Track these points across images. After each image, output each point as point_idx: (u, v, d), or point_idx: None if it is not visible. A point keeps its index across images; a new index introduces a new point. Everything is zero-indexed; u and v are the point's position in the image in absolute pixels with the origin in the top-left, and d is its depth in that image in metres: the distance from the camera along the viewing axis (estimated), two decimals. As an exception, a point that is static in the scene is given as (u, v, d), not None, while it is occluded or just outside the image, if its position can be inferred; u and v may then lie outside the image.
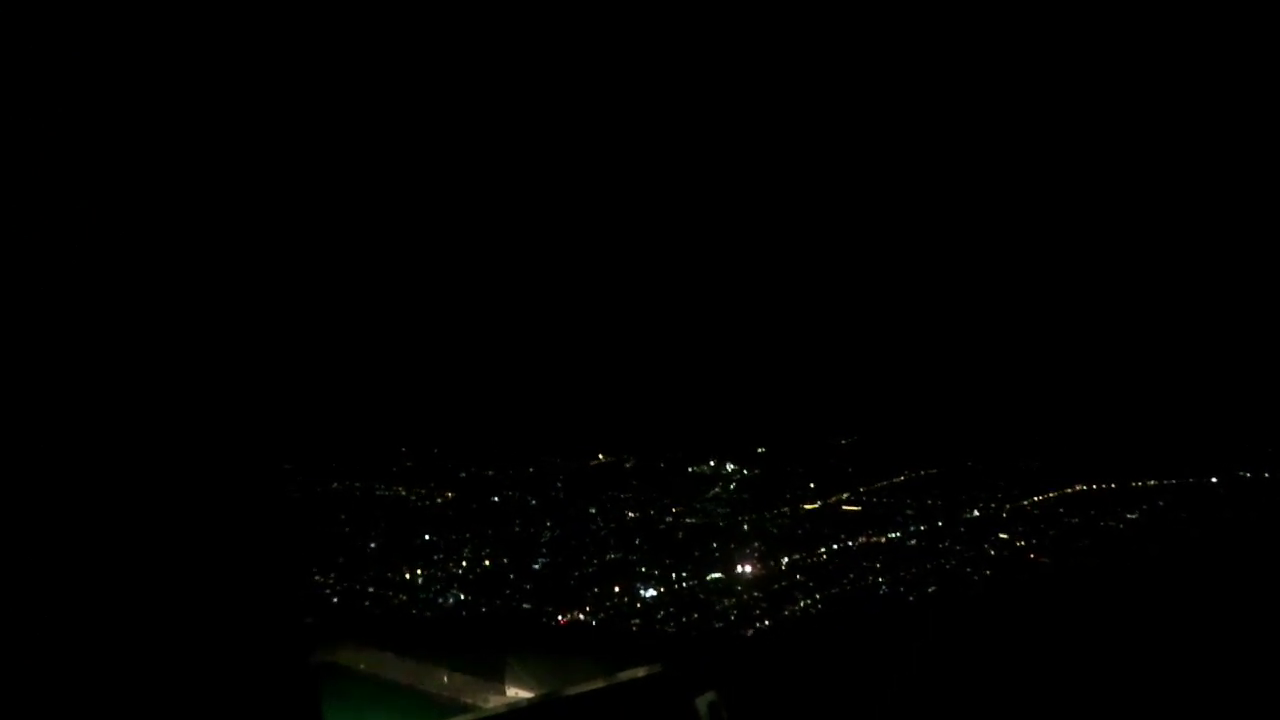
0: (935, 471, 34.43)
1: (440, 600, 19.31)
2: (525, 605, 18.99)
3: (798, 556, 22.74)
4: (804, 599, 19.91)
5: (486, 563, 22.52)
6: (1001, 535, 22.88)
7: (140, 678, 3.21)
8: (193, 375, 3.53)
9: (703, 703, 4.68)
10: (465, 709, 6.21)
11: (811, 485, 32.71)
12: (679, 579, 21.19)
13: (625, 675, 5.11)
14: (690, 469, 36.09)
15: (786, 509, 28.94)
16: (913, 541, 23.80)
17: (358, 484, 30.81)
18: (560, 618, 18.08)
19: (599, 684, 5.46)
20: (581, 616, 18.15)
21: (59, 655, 3.09)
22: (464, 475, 33.35)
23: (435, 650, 7.16)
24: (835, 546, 23.53)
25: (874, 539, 24.17)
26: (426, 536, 24.76)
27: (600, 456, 38.29)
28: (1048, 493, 29.20)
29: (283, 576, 3.72)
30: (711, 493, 31.99)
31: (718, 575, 21.19)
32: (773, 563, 22.31)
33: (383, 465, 33.37)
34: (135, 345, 3.33)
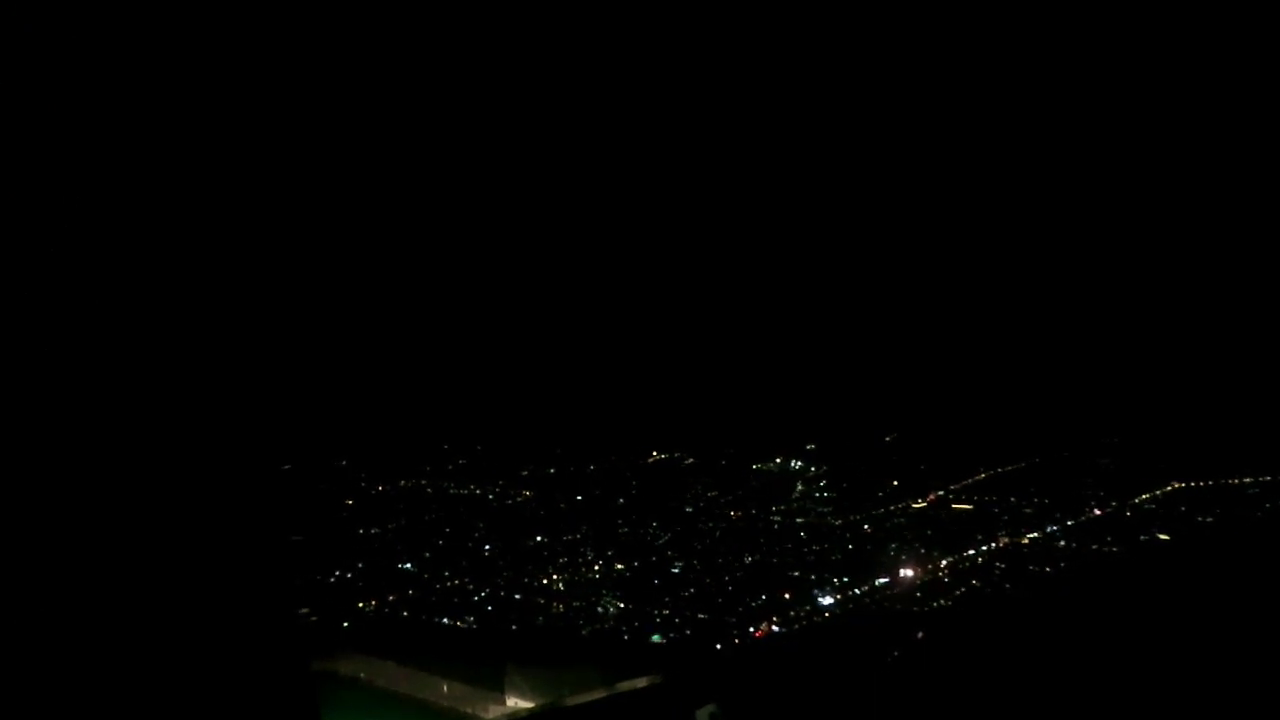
0: (1010, 469, 33.38)
1: (600, 609, 17.29)
2: (700, 615, 17.08)
3: (950, 558, 21.23)
4: (988, 602, 18.34)
5: (619, 565, 20.53)
6: (1161, 536, 21.66)
7: (141, 684, 3.20)
8: (195, 381, 3.46)
9: (703, 714, 4.61)
10: (465, 718, 6.28)
11: (895, 483, 31.34)
12: (842, 584, 19.49)
13: (625, 686, 5.19)
14: (755, 466, 34.41)
15: (893, 508, 27.47)
16: (1060, 542, 22.46)
17: (424, 482, 28.49)
18: (753, 629, 16.24)
19: (599, 694, 5.26)
20: (775, 628, 16.33)
21: (63, 661, 3.07)
22: (525, 474, 31.21)
23: (435, 659, 6.40)
24: (983, 547, 22.07)
25: (1016, 538, 22.79)
26: (537, 538, 22.64)
27: (655, 454, 36.41)
28: (1153, 489, 28.25)
29: (280, 585, 3.69)
30: (798, 490, 30.41)
31: (884, 580, 19.54)
32: (930, 565, 20.76)
33: (438, 464, 31.09)
34: (147, 352, 3.30)
